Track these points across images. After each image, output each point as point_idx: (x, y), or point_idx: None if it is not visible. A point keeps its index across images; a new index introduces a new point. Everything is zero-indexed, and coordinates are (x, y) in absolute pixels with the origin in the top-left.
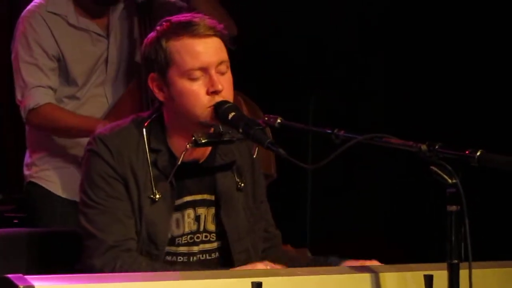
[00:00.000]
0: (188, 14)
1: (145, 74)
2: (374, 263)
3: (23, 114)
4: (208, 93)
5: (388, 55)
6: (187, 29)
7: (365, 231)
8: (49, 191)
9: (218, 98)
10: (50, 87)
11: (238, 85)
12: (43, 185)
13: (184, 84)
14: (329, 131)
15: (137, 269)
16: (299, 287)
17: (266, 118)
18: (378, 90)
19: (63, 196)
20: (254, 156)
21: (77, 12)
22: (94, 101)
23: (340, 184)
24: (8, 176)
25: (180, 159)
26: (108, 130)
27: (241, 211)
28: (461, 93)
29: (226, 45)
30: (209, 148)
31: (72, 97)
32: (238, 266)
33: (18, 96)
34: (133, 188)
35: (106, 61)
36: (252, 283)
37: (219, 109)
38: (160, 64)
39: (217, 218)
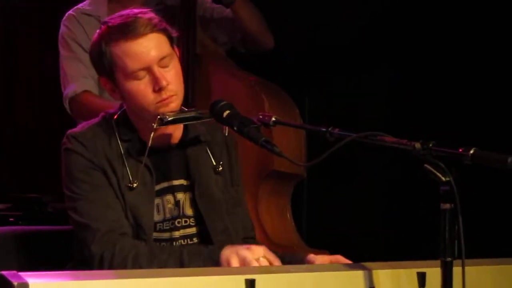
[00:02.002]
0: (125, 13)
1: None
2: (338, 257)
3: (66, 106)
4: (154, 90)
5: (385, 55)
6: (123, 32)
7: (360, 229)
8: None
9: (165, 94)
10: (91, 76)
11: None
12: None
13: (131, 85)
14: (323, 129)
15: (136, 253)
16: (293, 285)
17: (261, 116)
18: (375, 90)
19: None
20: (226, 135)
21: (110, 12)
22: None
23: (335, 183)
24: (3, 175)
25: (150, 141)
26: (79, 128)
27: (219, 194)
28: (457, 92)
29: (168, 35)
30: (181, 132)
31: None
32: (220, 247)
33: (63, 91)
34: (111, 177)
35: None
36: (246, 280)
37: (214, 107)
38: (106, 70)
39: (194, 203)
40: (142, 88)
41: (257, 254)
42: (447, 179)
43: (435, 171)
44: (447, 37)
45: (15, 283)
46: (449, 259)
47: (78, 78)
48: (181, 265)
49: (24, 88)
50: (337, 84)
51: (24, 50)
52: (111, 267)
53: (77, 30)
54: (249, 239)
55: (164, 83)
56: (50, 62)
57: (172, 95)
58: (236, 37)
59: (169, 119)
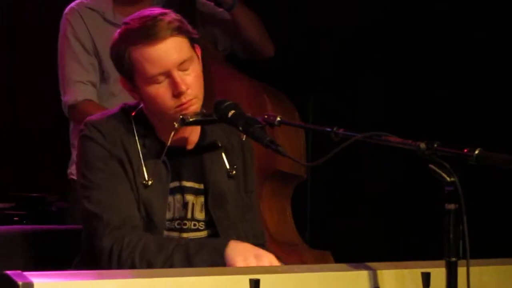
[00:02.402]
0: (145, 14)
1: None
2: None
3: (65, 111)
4: (173, 95)
5: (387, 55)
6: (143, 36)
7: (364, 228)
8: None
9: (184, 98)
10: (91, 82)
11: None
12: None
13: (150, 89)
14: (328, 129)
15: (144, 245)
16: (297, 284)
17: (266, 116)
18: (378, 90)
19: None
20: (244, 139)
21: (115, 8)
22: (129, 97)
23: (339, 183)
24: (6, 174)
25: (170, 140)
26: (98, 116)
27: (231, 200)
28: (461, 92)
29: (188, 36)
30: (198, 135)
31: (110, 94)
32: (226, 241)
33: (61, 92)
34: (128, 169)
35: None
36: (250, 280)
37: (218, 107)
38: (125, 71)
39: (206, 207)
40: (161, 92)
41: (265, 264)
42: (452, 179)
43: (440, 171)
44: (450, 37)
45: (20, 283)
46: (453, 259)
47: (78, 84)
48: (187, 257)
49: (27, 88)
50: (341, 84)
51: (27, 50)
52: (119, 260)
53: (79, 27)
54: (259, 246)
55: (183, 87)
56: (53, 62)
57: (192, 99)
58: (237, 42)
59: (190, 120)
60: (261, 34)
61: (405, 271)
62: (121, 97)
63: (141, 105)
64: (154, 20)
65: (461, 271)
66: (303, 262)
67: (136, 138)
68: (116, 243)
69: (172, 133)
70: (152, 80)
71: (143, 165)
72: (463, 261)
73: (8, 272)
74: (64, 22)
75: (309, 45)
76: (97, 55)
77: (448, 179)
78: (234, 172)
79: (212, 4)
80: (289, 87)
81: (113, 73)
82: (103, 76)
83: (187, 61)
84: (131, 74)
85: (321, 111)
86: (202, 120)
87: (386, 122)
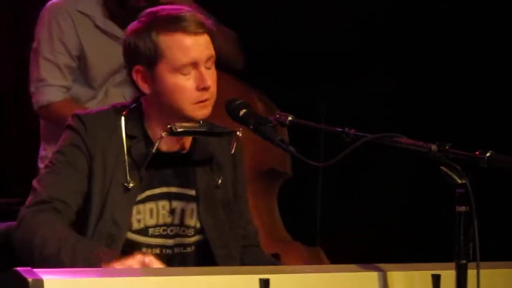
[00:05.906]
0: (175, 7)
1: (129, 65)
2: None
3: (34, 106)
4: (198, 89)
5: (399, 55)
6: (178, 25)
7: (375, 229)
8: None
9: (206, 95)
10: (65, 87)
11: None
12: None
13: (174, 79)
14: (339, 130)
15: (43, 227)
16: (307, 285)
17: (278, 116)
18: (390, 90)
19: None
20: (232, 153)
21: (105, 15)
22: (112, 101)
23: (350, 183)
24: (13, 168)
25: (155, 147)
26: (87, 111)
27: (220, 208)
28: (472, 93)
29: (213, 40)
30: (189, 141)
31: (93, 97)
32: (220, 261)
33: (32, 88)
34: (97, 169)
35: None
36: (260, 279)
37: (230, 105)
38: (147, 58)
39: (197, 214)
40: (187, 84)
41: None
42: (463, 181)
43: (451, 174)
44: (458, 38)
45: (30, 280)
46: (463, 261)
47: (52, 88)
48: (72, 258)
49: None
50: (352, 85)
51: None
52: (23, 232)
53: (68, 30)
54: (252, 247)
55: (209, 83)
56: None
57: (210, 98)
58: None
59: (179, 130)
60: (234, 50)
61: (415, 272)
62: (99, 100)
63: (134, 104)
64: (188, 13)
65: (471, 273)
66: (303, 257)
67: (124, 139)
68: (29, 216)
69: (158, 142)
70: (180, 69)
71: (127, 168)
72: (473, 264)
73: (18, 268)
74: (50, 20)
75: (323, 44)
76: (83, 60)
77: (459, 181)
78: (220, 182)
79: None
80: (299, 86)
81: (99, 80)
82: (88, 82)
83: (211, 60)
84: (154, 61)
85: (334, 111)
86: (190, 131)
87: (396, 121)
